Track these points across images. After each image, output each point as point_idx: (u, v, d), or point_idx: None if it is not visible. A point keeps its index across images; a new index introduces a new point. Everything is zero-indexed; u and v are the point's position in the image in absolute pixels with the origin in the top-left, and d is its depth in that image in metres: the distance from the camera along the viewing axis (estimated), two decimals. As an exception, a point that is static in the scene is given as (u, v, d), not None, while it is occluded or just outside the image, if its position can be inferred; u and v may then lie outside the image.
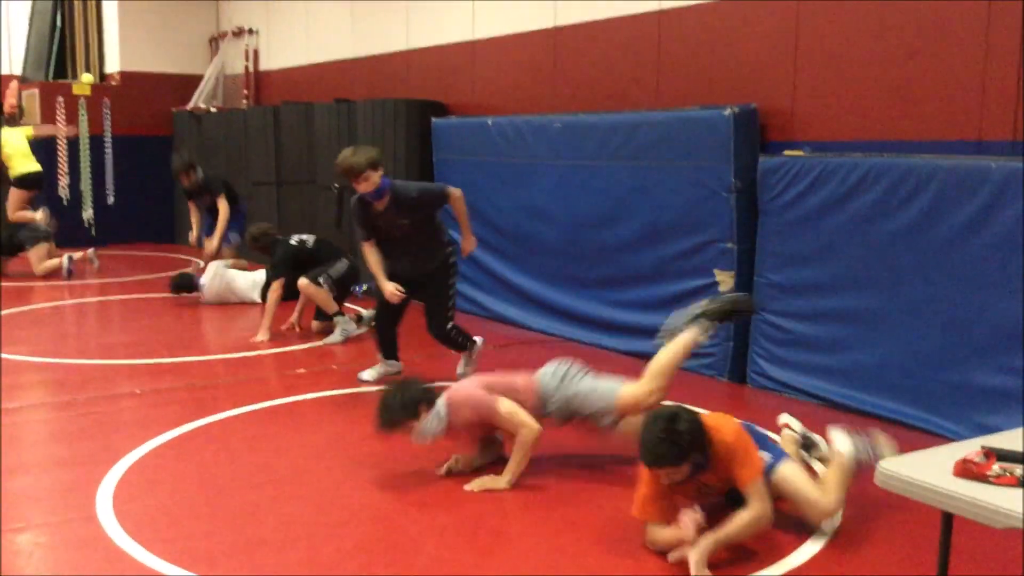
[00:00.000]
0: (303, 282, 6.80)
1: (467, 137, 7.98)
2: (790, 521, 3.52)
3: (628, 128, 6.37)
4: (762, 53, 5.95)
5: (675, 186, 6.06)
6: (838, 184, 5.17)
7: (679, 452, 3.12)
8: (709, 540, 3.14)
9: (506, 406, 3.95)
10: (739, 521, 3.20)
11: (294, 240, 7.30)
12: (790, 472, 3.47)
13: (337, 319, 6.90)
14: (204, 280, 8.25)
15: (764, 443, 3.53)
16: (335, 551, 3.35)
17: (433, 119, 8.42)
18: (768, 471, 3.41)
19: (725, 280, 5.78)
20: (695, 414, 3.24)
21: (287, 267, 7.09)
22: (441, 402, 3.96)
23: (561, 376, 4.12)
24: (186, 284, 8.34)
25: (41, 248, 9.84)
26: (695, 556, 3.10)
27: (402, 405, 3.90)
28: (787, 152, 5.54)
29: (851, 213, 5.12)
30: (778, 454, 3.53)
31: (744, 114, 5.72)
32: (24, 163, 10.23)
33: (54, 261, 9.79)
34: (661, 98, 6.63)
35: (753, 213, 5.66)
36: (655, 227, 6.24)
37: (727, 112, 5.67)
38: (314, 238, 7.41)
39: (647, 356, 6.17)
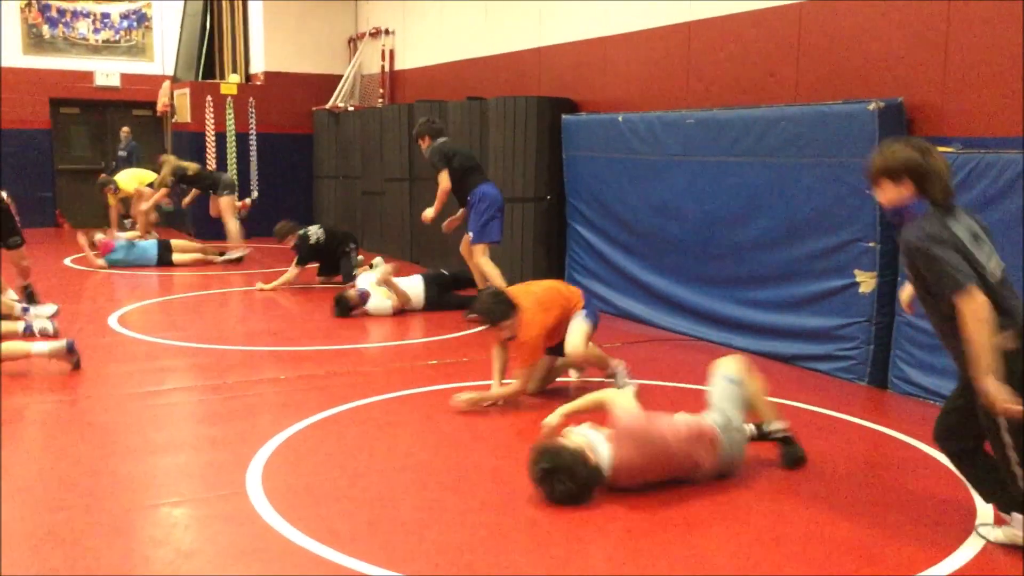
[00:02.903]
0: None
1: (597, 134, 7.98)
2: (953, 519, 3.41)
3: (765, 123, 6.24)
4: (909, 45, 5.72)
5: (814, 183, 5.90)
6: (990, 182, 4.92)
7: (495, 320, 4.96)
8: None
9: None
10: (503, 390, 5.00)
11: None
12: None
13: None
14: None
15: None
16: (469, 537, 3.42)
17: (563, 116, 8.45)
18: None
19: (866, 280, 5.59)
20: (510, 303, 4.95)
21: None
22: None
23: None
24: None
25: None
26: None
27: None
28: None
29: (1003, 212, 4.86)
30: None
31: (890, 109, 5.51)
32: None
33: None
34: (800, 92, 6.46)
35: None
36: (792, 225, 6.09)
37: (871, 106, 5.48)
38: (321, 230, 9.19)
39: (779, 357, 6.11)
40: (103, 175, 12.95)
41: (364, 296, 7.71)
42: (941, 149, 5.20)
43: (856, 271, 5.65)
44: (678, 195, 7.06)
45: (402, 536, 3.42)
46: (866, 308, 5.63)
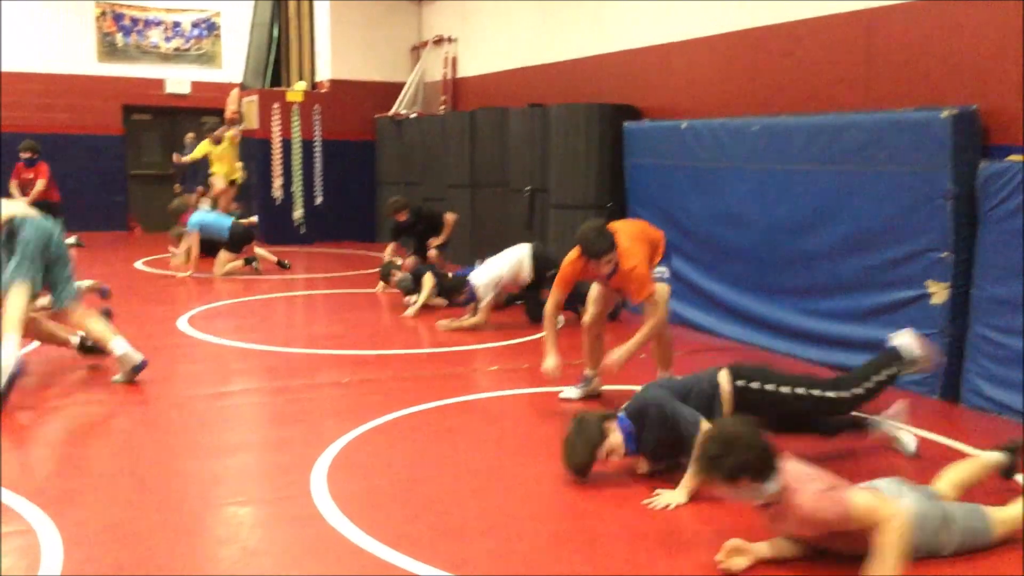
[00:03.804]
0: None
1: (659, 141, 7.92)
2: None
3: (833, 130, 6.13)
4: (984, 51, 5.57)
5: (884, 192, 5.78)
6: (1071, 191, 4.76)
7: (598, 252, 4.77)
8: (623, 352, 4.78)
9: (859, 503, 3.02)
10: (642, 330, 4.84)
11: None
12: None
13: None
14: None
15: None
16: (530, 544, 3.42)
17: (625, 123, 8.41)
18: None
19: (939, 291, 5.45)
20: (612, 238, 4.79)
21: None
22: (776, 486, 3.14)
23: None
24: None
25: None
26: (616, 359, 4.81)
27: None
28: (1012, 157, 5.15)
29: (1086, 223, 4.70)
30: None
31: (964, 116, 5.38)
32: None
33: (236, 263, 10.40)
34: (870, 99, 6.33)
35: (972, 221, 5.31)
36: (861, 234, 5.97)
37: (945, 114, 5.35)
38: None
39: (846, 368, 5.95)
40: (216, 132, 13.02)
41: (471, 291, 7.43)
42: (1017, 157, 5.08)
43: (928, 282, 5.51)
44: (742, 203, 6.97)
45: (463, 541, 3.43)
46: (938, 320, 5.49)
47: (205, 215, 10.55)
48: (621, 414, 4.08)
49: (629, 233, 5.08)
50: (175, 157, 13.73)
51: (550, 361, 5.14)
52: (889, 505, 2.99)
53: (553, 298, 5.19)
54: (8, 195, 11.72)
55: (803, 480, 3.11)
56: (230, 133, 12.69)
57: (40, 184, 11.61)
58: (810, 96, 6.83)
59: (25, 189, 11.66)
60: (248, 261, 10.42)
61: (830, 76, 6.68)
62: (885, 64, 6.25)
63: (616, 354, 4.86)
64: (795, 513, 3.09)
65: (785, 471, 3.12)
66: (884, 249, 5.82)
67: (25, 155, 11.66)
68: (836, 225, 6.16)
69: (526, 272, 7.49)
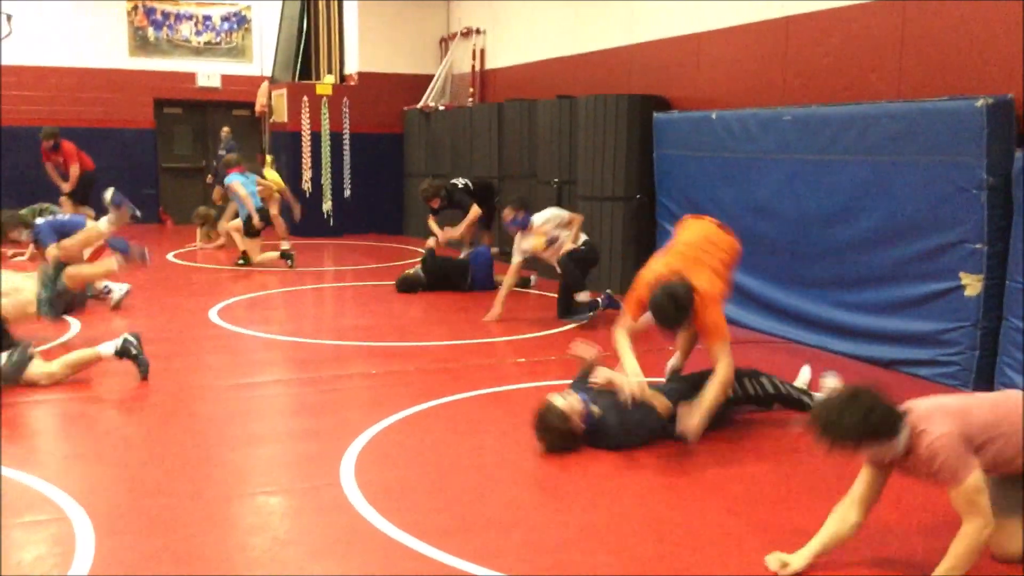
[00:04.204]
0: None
1: (689, 132, 7.87)
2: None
3: (866, 120, 6.06)
4: (1020, 39, 5.47)
5: (917, 182, 5.70)
6: (1111, 181, 4.67)
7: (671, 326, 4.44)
8: (699, 418, 4.20)
9: (975, 481, 2.97)
10: (712, 388, 4.31)
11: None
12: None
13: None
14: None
15: None
16: (558, 536, 3.42)
17: (655, 113, 8.36)
18: None
19: (972, 284, 5.37)
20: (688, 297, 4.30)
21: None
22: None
23: None
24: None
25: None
26: (692, 427, 4.17)
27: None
28: (1049, 146, 5.07)
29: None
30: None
31: (999, 105, 5.28)
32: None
33: (271, 255, 10.39)
34: (903, 88, 6.24)
35: (1007, 212, 5.22)
36: (893, 225, 5.90)
37: (980, 103, 5.26)
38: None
39: (878, 361, 5.93)
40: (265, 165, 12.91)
41: (524, 222, 7.45)
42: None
43: (961, 274, 5.43)
44: (774, 195, 6.91)
45: (492, 532, 3.44)
46: (971, 312, 5.42)
47: (248, 184, 10.53)
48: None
49: (712, 271, 4.61)
50: (215, 195, 13.25)
51: (631, 369, 4.49)
52: (990, 510, 2.96)
53: (624, 321, 4.68)
54: (44, 180, 12.23)
55: (932, 419, 3.02)
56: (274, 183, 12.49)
57: (74, 170, 12.02)
58: (842, 86, 6.75)
59: (59, 170, 12.14)
60: (284, 255, 10.43)
61: (863, 65, 6.60)
62: (919, 53, 6.16)
63: (693, 420, 4.22)
64: (921, 454, 3.00)
65: (912, 413, 3.05)
66: (917, 240, 5.74)
67: (48, 143, 12.00)
68: (868, 216, 6.09)
69: (566, 245, 7.39)
